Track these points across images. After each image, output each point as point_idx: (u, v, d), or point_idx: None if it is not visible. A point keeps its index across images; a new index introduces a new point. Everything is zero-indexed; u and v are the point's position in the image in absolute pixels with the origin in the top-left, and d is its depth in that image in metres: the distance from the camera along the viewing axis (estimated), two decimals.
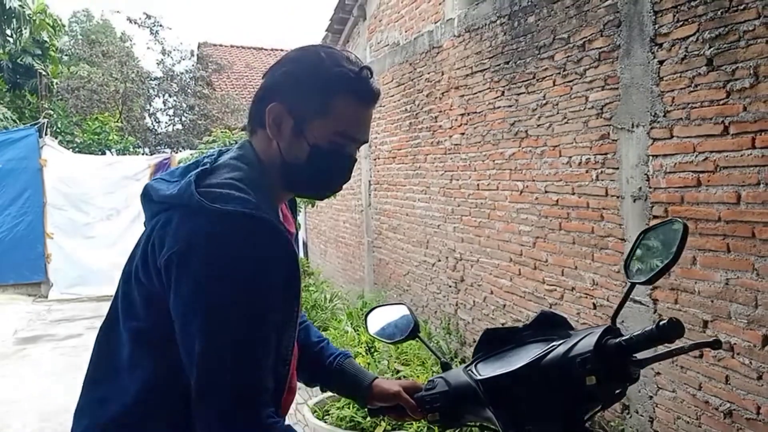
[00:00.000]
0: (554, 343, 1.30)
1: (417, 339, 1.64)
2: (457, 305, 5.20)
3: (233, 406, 1.02)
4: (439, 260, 5.47)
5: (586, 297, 3.52)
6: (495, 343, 1.44)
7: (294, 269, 1.14)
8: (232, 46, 18.85)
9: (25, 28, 11.02)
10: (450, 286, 5.29)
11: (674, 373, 2.94)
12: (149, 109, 14.62)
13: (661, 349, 1.18)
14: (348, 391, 1.56)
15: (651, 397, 3.09)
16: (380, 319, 1.71)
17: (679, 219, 1.26)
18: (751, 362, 2.55)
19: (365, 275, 7.38)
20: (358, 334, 4.83)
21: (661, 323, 1.15)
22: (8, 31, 11.12)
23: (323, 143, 1.18)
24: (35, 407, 4.68)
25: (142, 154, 12.64)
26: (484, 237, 4.68)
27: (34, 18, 11.34)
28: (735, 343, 2.62)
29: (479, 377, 1.32)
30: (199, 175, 1.13)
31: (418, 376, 3.92)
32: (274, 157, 1.21)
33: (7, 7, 9.91)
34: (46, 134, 9.51)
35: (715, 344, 1.17)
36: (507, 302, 4.38)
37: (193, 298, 1.03)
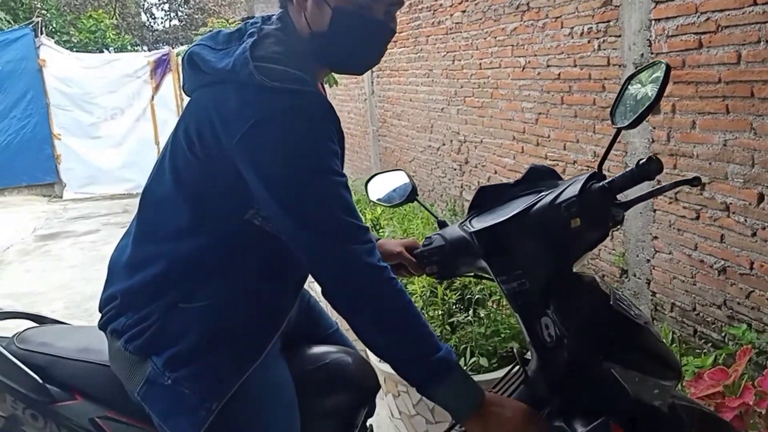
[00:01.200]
0: (543, 193, 1.35)
1: (415, 201, 1.71)
2: (462, 187, 5.28)
3: (335, 242, 1.09)
4: (444, 144, 5.49)
5: (588, 169, 3.55)
6: (488, 199, 1.51)
7: (340, 143, 1.20)
8: None
9: None
10: (455, 169, 5.34)
11: (671, 236, 3.03)
12: (144, 5, 14.20)
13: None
14: None
15: (648, 261, 3.20)
16: (380, 185, 1.78)
17: (662, 60, 1.27)
18: (746, 220, 2.63)
19: (371, 164, 7.43)
20: (364, 215, 4.95)
21: (640, 161, 1.20)
22: None
23: (345, 5, 1.15)
24: (61, 297, 4.91)
25: (140, 51, 12.39)
26: (487, 117, 4.67)
27: None
28: (731, 203, 2.68)
29: (472, 230, 1.39)
30: (251, 47, 1.13)
31: None
32: (304, 30, 1.19)
33: None
34: (41, 34, 9.30)
35: (694, 181, 1.22)
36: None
37: (276, 169, 1.08)
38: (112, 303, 1.25)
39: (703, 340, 2.89)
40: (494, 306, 2.54)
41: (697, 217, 2.87)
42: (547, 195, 1.32)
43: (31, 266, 5.88)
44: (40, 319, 1.62)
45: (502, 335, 2.33)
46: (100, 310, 1.28)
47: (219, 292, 1.18)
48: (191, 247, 1.18)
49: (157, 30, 13.67)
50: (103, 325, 1.26)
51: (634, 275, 3.32)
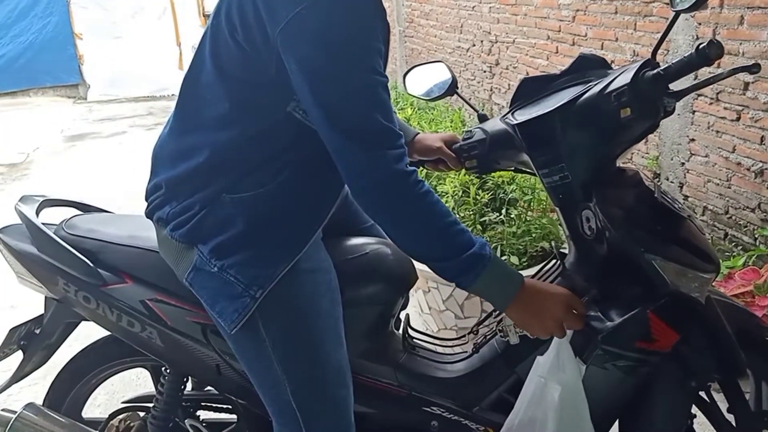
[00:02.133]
0: (592, 83, 1.31)
1: (455, 94, 1.67)
2: (491, 90, 5.16)
3: (367, 144, 1.08)
4: (474, 44, 5.31)
5: None
6: (532, 91, 1.46)
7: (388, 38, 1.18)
8: None
9: None
10: (484, 71, 5.20)
11: (709, 138, 2.95)
12: None
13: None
14: None
15: (683, 164, 3.14)
16: (419, 78, 1.73)
17: None
18: None
19: (397, 67, 7.26)
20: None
21: (700, 44, 1.14)
22: None
23: None
24: (92, 195, 5.01)
25: None
26: (520, 15, 4.47)
27: None
28: None
29: (515, 122, 1.35)
30: None
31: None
32: None
33: None
34: None
35: (754, 67, 1.16)
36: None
37: (319, 60, 1.05)
38: (157, 192, 1.26)
39: (733, 243, 2.88)
40: (526, 206, 2.54)
41: (738, 118, 2.78)
42: (596, 84, 1.28)
43: (61, 165, 5.97)
44: (85, 208, 1.64)
45: (533, 235, 2.34)
46: (146, 199, 1.29)
47: (263, 183, 1.17)
48: (233, 137, 1.17)
49: None
50: (149, 213, 1.28)
51: (667, 179, 3.27)
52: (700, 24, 2.85)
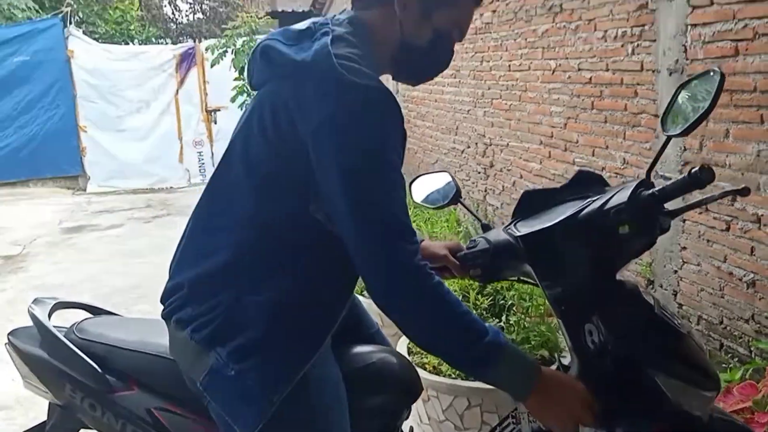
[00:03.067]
0: (590, 199, 1.36)
1: (459, 203, 1.72)
2: (486, 191, 5.27)
3: (389, 238, 1.13)
4: (469, 146, 5.48)
5: (617, 176, 3.54)
6: (533, 203, 1.51)
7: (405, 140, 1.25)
8: None
9: None
10: (479, 173, 5.33)
11: (700, 247, 3.00)
12: None
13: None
14: None
15: (676, 272, 3.18)
16: (424, 186, 1.79)
17: (716, 68, 1.26)
18: None
19: None
20: None
21: (692, 170, 1.19)
22: None
23: (445, 30, 1.26)
24: (88, 289, 4.96)
25: (165, 44, 12.50)
26: (514, 120, 4.65)
27: None
28: (762, 215, 2.65)
29: (518, 234, 1.39)
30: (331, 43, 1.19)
31: None
32: (391, 36, 1.26)
33: None
34: (70, 24, 9.41)
35: (744, 191, 1.22)
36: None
37: (349, 158, 1.12)
38: (178, 293, 1.27)
39: (729, 355, 2.87)
40: (524, 312, 2.54)
41: (728, 228, 2.84)
42: (594, 201, 1.33)
43: (58, 258, 5.97)
44: (95, 310, 1.65)
45: (532, 342, 2.33)
46: (164, 301, 1.31)
47: (283, 284, 1.20)
48: (256, 237, 1.21)
49: (181, 23, 13.78)
50: (167, 315, 1.28)
51: (661, 286, 3.30)
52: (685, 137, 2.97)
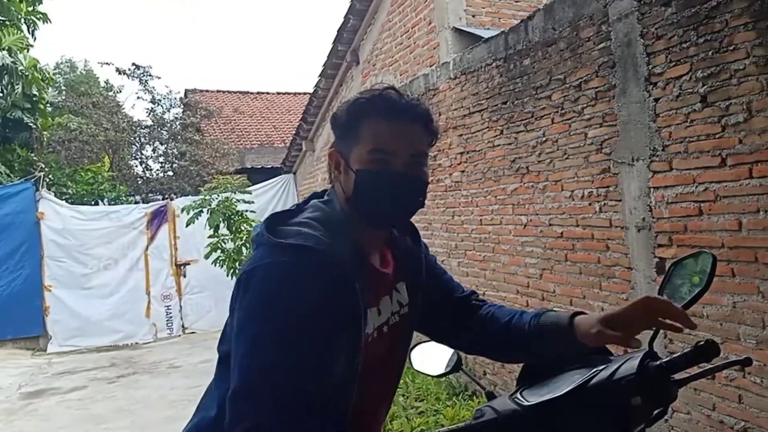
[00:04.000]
0: (597, 368, 1.41)
1: (461, 371, 1.75)
2: None
3: (273, 419, 1.05)
4: None
5: None
6: (537, 371, 1.55)
7: (344, 300, 1.17)
8: (218, 91, 19.11)
9: (17, 84, 11.13)
10: None
11: (688, 395, 3.04)
12: (140, 157, 14.74)
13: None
14: (555, 346, 1.49)
15: (666, 420, 3.19)
16: (424, 354, 1.82)
17: (707, 251, 1.39)
18: (762, 381, 2.67)
19: None
20: None
21: (699, 344, 1.27)
22: None
23: (363, 165, 1.26)
24: None
25: (134, 202, 12.68)
26: (489, 270, 4.80)
27: (27, 73, 11.47)
28: None
29: (527, 403, 1.42)
30: (274, 217, 1.28)
31: (436, 410, 3.99)
32: (342, 197, 1.32)
33: (0, 64, 10.00)
34: (42, 187, 9.55)
35: (746, 361, 1.30)
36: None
37: (247, 318, 1.13)
38: None
39: None
40: None
41: (713, 377, 2.91)
42: (601, 371, 1.38)
43: (17, 428, 5.61)
44: None
45: None
46: None
47: None
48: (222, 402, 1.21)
49: (151, 180, 14.09)
50: None
51: None
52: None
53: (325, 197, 1.36)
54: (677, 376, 1.36)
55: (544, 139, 4.00)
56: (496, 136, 4.56)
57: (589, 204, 3.62)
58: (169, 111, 14.64)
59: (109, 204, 11.93)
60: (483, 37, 4.86)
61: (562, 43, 3.83)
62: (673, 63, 3.00)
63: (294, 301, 1.11)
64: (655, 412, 1.36)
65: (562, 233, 3.87)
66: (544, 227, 4.04)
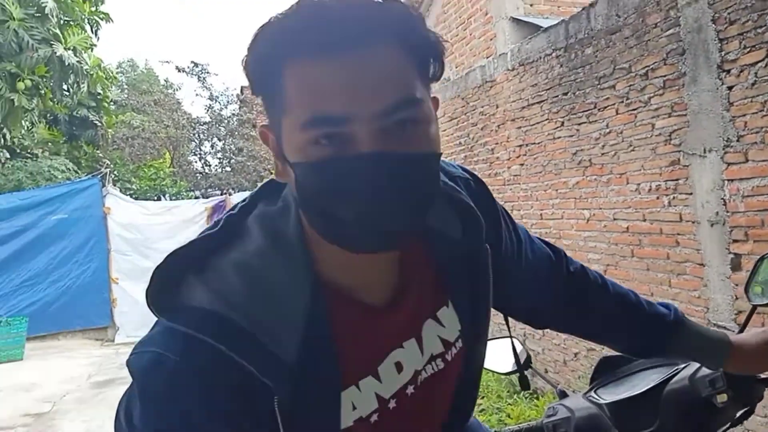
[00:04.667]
0: (677, 367, 1.35)
1: (530, 368, 1.71)
2: (524, 336, 5.21)
3: None
4: None
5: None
6: (611, 370, 1.51)
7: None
8: None
9: (83, 83, 11.52)
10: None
11: None
12: (199, 153, 15.12)
13: None
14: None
15: (741, 423, 3.05)
16: (491, 350, 1.79)
17: None
18: None
19: None
20: None
21: None
22: (65, 86, 11.65)
23: (300, 154, 0.69)
24: None
25: (194, 197, 13.03)
26: None
27: (91, 72, 11.88)
28: None
29: (604, 401, 1.38)
30: (186, 257, 0.81)
31: (499, 408, 3.94)
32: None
33: (66, 63, 10.38)
34: (108, 183, 9.90)
35: None
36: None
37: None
38: None
39: None
40: None
41: None
42: (683, 369, 1.32)
43: (88, 416, 5.85)
44: None
45: None
46: None
47: None
48: None
49: (210, 176, 14.44)
50: None
51: None
52: (737, 284, 2.98)
53: (279, 202, 0.82)
54: (764, 374, 1.30)
55: (607, 130, 3.88)
56: (557, 127, 4.45)
57: (657, 197, 3.49)
58: (226, 107, 14.96)
59: (171, 199, 12.29)
60: (542, 27, 4.75)
61: (627, 30, 3.70)
62: (748, 49, 2.85)
63: (178, 419, 0.72)
64: (741, 411, 1.31)
65: (627, 228, 3.75)
66: (609, 222, 3.92)
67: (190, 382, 0.71)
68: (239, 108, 15.40)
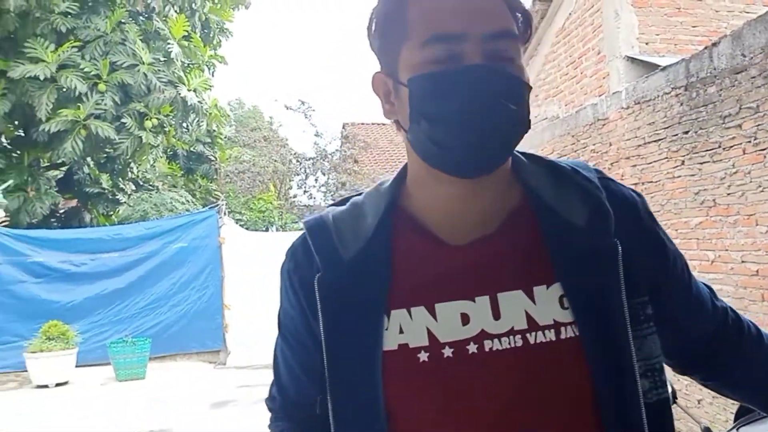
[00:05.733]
0: None
1: (675, 404, 1.75)
2: None
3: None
4: None
5: None
6: (752, 409, 1.53)
7: (299, 297, 0.94)
8: (374, 124, 19.93)
9: (202, 122, 12.38)
10: None
11: None
12: (304, 187, 15.77)
13: None
14: None
15: None
16: None
17: None
18: None
19: None
20: None
21: None
22: (185, 124, 12.54)
23: (416, 70, 0.81)
24: None
25: (300, 229, 13.53)
26: None
27: (209, 111, 12.75)
28: None
29: None
30: None
31: None
32: (409, 146, 0.89)
33: (189, 103, 11.22)
34: (224, 215, 10.53)
35: None
36: None
37: None
38: None
39: None
40: None
41: None
42: None
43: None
44: None
45: None
46: None
47: None
48: None
49: (315, 209, 15.02)
50: None
51: None
52: None
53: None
54: None
55: (734, 170, 3.81)
56: (677, 166, 4.40)
57: None
58: (330, 143, 15.57)
59: (277, 230, 12.86)
60: (659, 65, 4.74)
61: (753, 69, 3.66)
62: None
63: (281, 287, 0.98)
64: None
65: (757, 271, 3.65)
66: (736, 264, 3.83)
67: (287, 255, 0.97)
68: (341, 144, 15.96)
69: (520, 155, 0.92)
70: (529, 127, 0.84)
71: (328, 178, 14.92)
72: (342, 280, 0.88)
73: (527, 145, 7.85)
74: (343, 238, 0.90)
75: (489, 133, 0.80)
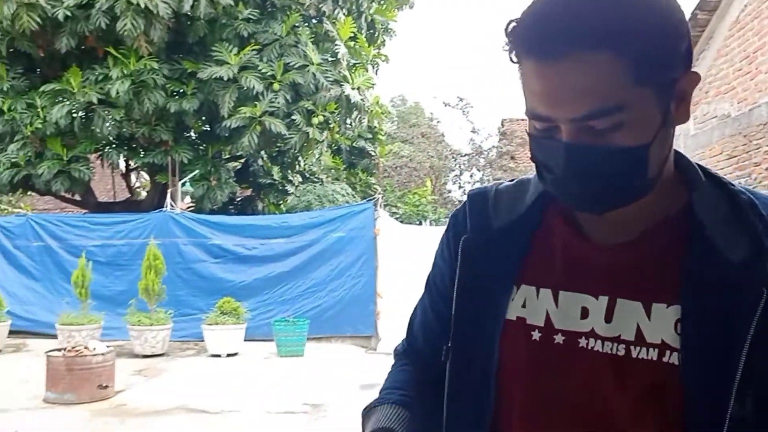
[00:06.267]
0: None
1: None
2: None
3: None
4: None
5: None
6: None
7: (448, 257, 1.05)
8: None
9: (364, 118, 12.99)
10: None
11: None
12: (459, 183, 15.96)
13: None
14: None
15: None
16: None
17: None
18: None
19: None
20: None
21: None
22: (348, 121, 13.22)
23: (528, 128, 0.88)
24: None
25: None
26: None
27: (371, 109, 13.35)
28: None
29: None
30: None
31: None
32: None
33: (352, 101, 11.83)
34: (380, 207, 11.02)
35: None
36: None
37: None
38: None
39: None
40: None
41: None
42: None
43: (354, 411, 6.60)
44: None
45: None
46: None
47: None
48: None
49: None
50: None
51: None
52: None
53: None
54: None
55: None
56: None
57: None
58: (486, 140, 15.61)
59: (430, 225, 13.17)
60: None
61: None
62: None
63: (441, 251, 1.11)
64: None
65: None
66: None
67: (450, 218, 1.09)
68: (499, 140, 15.92)
69: (699, 169, 0.90)
70: (646, 186, 0.83)
71: (483, 175, 15.00)
72: (485, 245, 0.98)
73: (694, 145, 7.36)
74: (499, 210, 0.99)
75: (589, 199, 0.85)
